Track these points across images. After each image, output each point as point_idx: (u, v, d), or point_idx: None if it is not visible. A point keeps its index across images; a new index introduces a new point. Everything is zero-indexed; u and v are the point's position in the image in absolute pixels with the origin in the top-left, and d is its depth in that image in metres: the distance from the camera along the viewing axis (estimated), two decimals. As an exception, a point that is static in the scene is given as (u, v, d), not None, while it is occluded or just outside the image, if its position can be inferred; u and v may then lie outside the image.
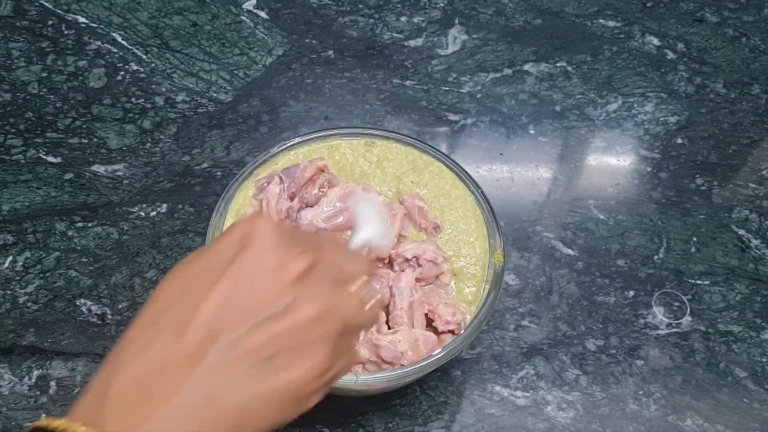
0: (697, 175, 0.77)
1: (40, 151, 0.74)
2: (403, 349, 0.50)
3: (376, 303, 0.36)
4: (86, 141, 0.75)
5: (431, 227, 0.57)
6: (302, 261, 0.32)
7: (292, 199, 0.58)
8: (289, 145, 0.61)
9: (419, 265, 0.55)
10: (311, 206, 0.58)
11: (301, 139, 0.62)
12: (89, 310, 0.64)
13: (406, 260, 0.54)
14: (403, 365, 0.50)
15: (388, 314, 0.54)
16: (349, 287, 0.35)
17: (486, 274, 0.56)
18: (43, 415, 0.58)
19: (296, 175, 0.58)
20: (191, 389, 0.29)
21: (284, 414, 0.31)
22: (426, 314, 0.53)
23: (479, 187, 0.59)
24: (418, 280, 0.55)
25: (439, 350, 0.50)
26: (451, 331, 0.53)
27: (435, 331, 0.53)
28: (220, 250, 0.33)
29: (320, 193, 0.58)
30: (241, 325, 0.30)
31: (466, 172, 0.60)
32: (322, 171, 0.60)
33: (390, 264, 0.56)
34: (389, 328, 0.53)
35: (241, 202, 0.58)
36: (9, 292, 0.65)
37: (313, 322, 0.31)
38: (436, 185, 0.60)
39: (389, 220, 0.55)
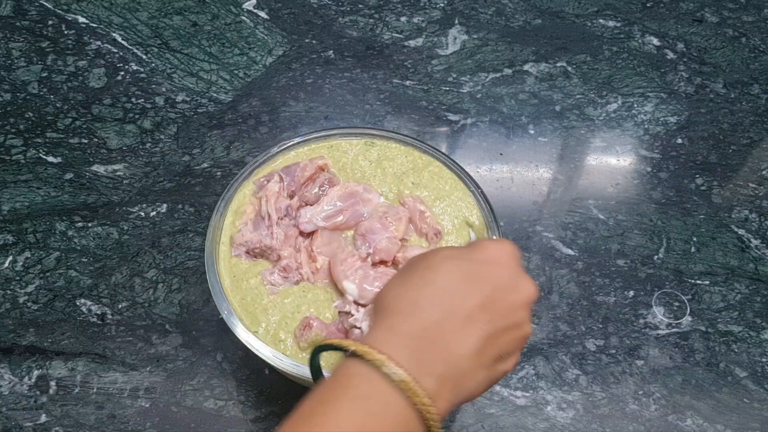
0: (697, 175, 0.77)
1: (40, 151, 0.74)
2: None
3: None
4: (86, 141, 0.75)
5: (432, 233, 0.57)
6: (532, 288, 0.42)
7: (291, 197, 0.58)
8: (289, 145, 0.61)
9: None
10: (311, 204, 0.58)
11: (300, 139, 0.61)
12: (89, 310, 0.64)
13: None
14: None
15: None
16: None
17: None
18: (44, 416, 0.58)
19: (296, 173, 0.58)
20: (459, 354, 0.38)
21: (489, 386, 0.42)
22: None
23: (479, 187, 0.59)
24: None
25: None
26: None
27: None
28: (482, 258, 0.42)
29: (320, 192, 0.58)
30: (499, 317, 0.40)
31: (466, 172, 0.60)
32: (323, 170, 0.60)
33: (396, 267, 0.56)
34: None
35: (240, 201, 0.58)
36: (9, 292, 0.65)
37: (526, 338, 0.42)
38: (435, 186, 0.60)
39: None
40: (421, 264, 0.42)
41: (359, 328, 0.50)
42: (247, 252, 0.55)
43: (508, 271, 0.42)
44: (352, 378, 0.37)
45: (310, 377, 0.48)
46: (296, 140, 0.61)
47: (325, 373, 0.45)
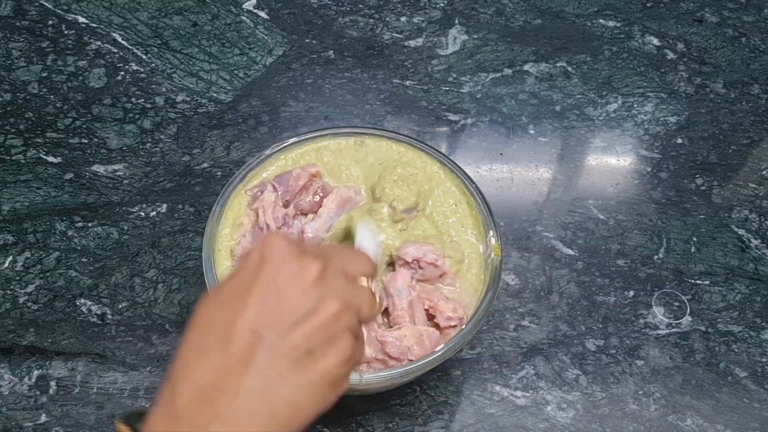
0: (697, 175, 0.77)
1: (40, 151, 0.74)
2: (409, 344, 0.51)
3: (380, 299, 0.41)
4: (86, 141, 0.75)
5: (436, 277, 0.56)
6: (316, 264, 0.37)
7: (286, 206, 0.58)
8: (283, 146, 0.61)
9: (420, 268, 0.55)
10: (305, 213, 0.59)
11: (297, 139, 0.61)
12: (89, 310, 0.64)
13: (407, 263, 0.54)
14: (410, 360, 0.50)
15: (387, 316, 0.54)
16: (360, 282, 0.40)
17: (484, 270, 0.56)
18: (44, 416, 0.58)
19: (289, 182, 0.58)
20: (247, 389, 0.33)
21: (327, 397, 0.36)
22: (427, 310, 0.54)
23: (473, 182, 0.59)
24: (419, 281, 0.55)
25: (442, 346, 0.50)
26: (453, 327, 0.53)
27: (437, 326, 0.53)
28: (243, 273, 0.37)
29: (314, 200, 0.58)
30: (279, 327, 0.35)
31: (457, 165, 0.60)
32: (315, 177, 0.60)
33: (392, 266, 0.56)
34: (391, 328, 0.53)
35: (236, 209, 0.58)
36: (9, 292, 0.65)
37: (338, 315, 0.36)
38: (434, 186, 0.61)
39: (382, 245, 0.56)
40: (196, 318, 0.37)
41: None
42: None
43: (269, 272, 0.36)
44: None
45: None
46: (291, 141, 0.61)
47: None
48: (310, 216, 0.58)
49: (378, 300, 0.43)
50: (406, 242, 0.56)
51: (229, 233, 0.57)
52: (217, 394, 0.33)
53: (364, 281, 0.41)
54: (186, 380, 0.34)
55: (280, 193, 0.58)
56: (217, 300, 0.37)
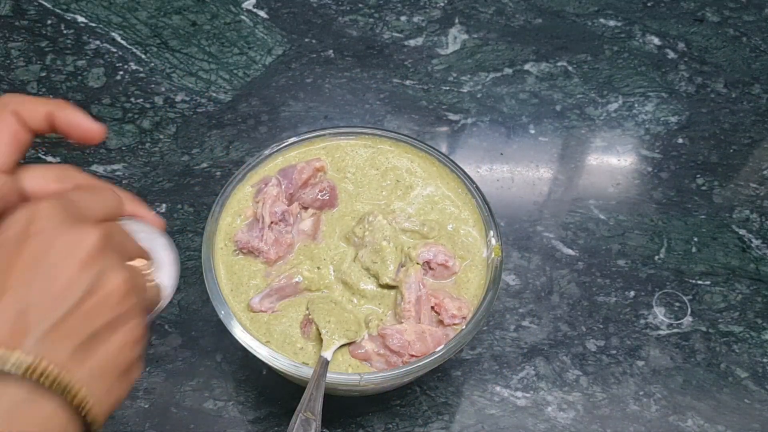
0: (698, 175, 0.77)
1: (39, 151, 0.74)
2: (411, 338, 0.51)
3: (155, 285, 0.36)
4: (85, 141, 0.75)
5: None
6: (94, 235, 0.31)
7: (290, 200, 0.58)
8: (283, 146, 0.61)
9: (431, 269, 0.55)
10: (306, 208, 0.58)
11: (296, 139, 0.61)
12: (88, 311, 0.64)
13: (417, 265, 0.55)
14: (412, 356, 0.50)
15: (395, 307, 0.54)
16: (135, 264, 0.35)
17: (485, 270, 0.56)
18: None
19: (293, 176, 0.58)
20: (8, 393, 0.27)
21: (118, 388, 0.31)
22: (432, 307, 0.54)
23: (473, 182, 0.59)
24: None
25: (443, 346, 0.50)
26: (457, 326, 0.53)
27: (441, 324, 0.53)
28: (2, 241, 0.30)
29: (321, 197, 0.58)
30: (51, 313, 0.29)
31: (457, 165, 0.60)
32: (319, 171, 0.60)
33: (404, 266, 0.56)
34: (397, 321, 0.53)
35: (237, 207, 0.58)
36: (8, 292, 0.64)
37: (121, 292, 0.31)
38: (434, 185, 0.60)
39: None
40: None
41: None
42: (241, 249, 0.55)
43: (37, 243, 0.30)
44: None
45: (308, 377, 0.48)
46: (291, 140, 0.61)
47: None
48: (310, 211, 0.58)
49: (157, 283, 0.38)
50: (417, 243, 0.56)
51: (230, 222, 0.57)
52: None
53: (139, 263, 0.36)
54: None
55: (283, 186, 0.57)
56: None
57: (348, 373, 0.51)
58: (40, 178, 0.36)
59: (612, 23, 0.91)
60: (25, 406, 0.28)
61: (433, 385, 0.61)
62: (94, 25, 0.85)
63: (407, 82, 0.83)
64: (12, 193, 0.34)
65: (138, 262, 0.36)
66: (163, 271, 0.39)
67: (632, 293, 0.68)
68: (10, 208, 0.33)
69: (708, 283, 0.69)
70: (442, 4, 0.91)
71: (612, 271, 0.69)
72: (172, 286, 0.40)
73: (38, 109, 0.35)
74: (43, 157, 0.73)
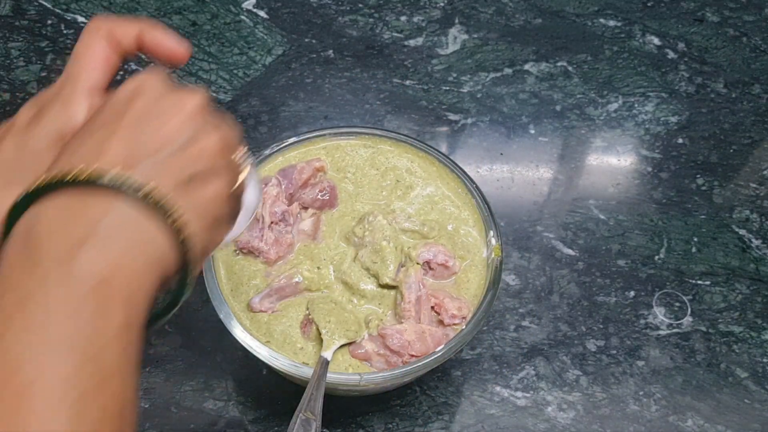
0: (698, 175, 0.77)
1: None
2: (411, 338, 0.51)
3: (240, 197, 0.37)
4: (85, 141, 0.75)
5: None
6: (195, 98, 0.34)
7: (290, 200, 0.58)
8: (283, 146, 0.61)
9: (431, 269, 0.55)
10: (306, 208, 0.58)
11: (296, 139, 0.61)
12: (88, 311, 0.64)
13: (417, 265, 0.55)
14: (412, 356, 0.50)
15: (395, 307, 0.54)
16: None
17: (485, 270, 0.56)
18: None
19: (293, 176, 0.58)
20: (118, 209, 0.29)
21: (210, 234, 0.33)
22: (432, 307, 0.54)
23: (473, 182, 0.59)
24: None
25: (443, 346, 0.50)
26: (457, 325, 0.53)
27: (441, 324, 0.53)
28: (112, 103, 0.33)
29: (321, 197, 0.58)
30: (158, 152, 0.31)
31: (457, 165, 0.60)
32: (319, 171, 0.60)
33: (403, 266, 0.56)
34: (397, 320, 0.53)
35: None
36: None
37: (216, 149, 0.33)
38: (434, 185, 0.60)
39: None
40: None
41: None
42: (241, 249, 0.55)
43: (146, 98, 0.33)
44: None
45: (309, 377, 0.48)
46: (291, 140, 0.61)
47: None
48: (310, 211, 0.58)
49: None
50: (417, 243, 0.56)
51: None
52: (83, 218, 0.29)
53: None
54: (47, 204, 0.29)
55: (283, 186, 0.57)
56: (85, 129, 0.32)
57: (348, 373, 0.51)
58: None
59: (612, 23, 0.90)
60: (132, 224, 0.29)
61: (433, 385, 0.61)
62: (94, 25, 0.85)
63: (407, 82, 0.83)
64: None
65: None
66: (248, 189, 0.39)
67: (632, 293, 0.68)
68: None
69: (708, 283, 0.69)
70: (442, 4, 0.91)
71: (612, 271, 0.69)
72: (254, 208, 0.41)
73: (128, 32, 0.37)
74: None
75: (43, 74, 0.80)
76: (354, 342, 0.52)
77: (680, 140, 0.80)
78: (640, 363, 0.63)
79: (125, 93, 0.33)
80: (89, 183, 0.29)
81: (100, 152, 0.30)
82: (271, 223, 0.55)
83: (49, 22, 0.85)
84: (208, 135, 0.33)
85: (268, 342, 0.51)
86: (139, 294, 0.29)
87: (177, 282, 0.32)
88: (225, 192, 0.34)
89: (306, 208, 0.58)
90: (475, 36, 0.88)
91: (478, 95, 0.82)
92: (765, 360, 0.64)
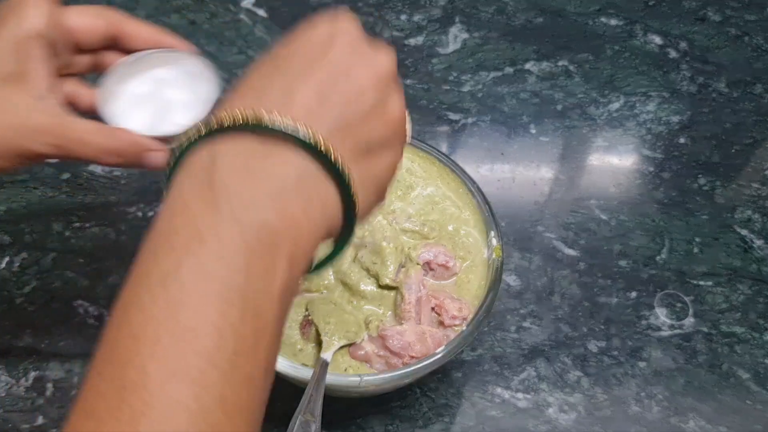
0: (700, 175, 0.77)
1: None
2: (411, 339, 0.50)
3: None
4: (84, 140, 0.75)
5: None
6: (388, 58, 0.33)
7: None
8: None
9: (431, 269, 0.54)
10: None
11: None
12: (86, 312, 0.63)
13: (418, 265, 0.54)
14: (412, 357, 0.50)
15: (395, 308, 0.54)
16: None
17: (486, 270, 0.56)
18: (40, 418, 0.58)
19: None
20: (299, 164, 0.28)
21: (371, 202, 0.32)
22: (433, 308, 0.53)
23: (474, 182, 0.59)
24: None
25: (443, 347, 0.50)
26: (457, 327, 0.53)
27: (441, 325, 0.53)
28: (310, 40, 0.32)
29: None
30: (342, 112, 0.30)
31: (457, 165, 0.60)
32: None
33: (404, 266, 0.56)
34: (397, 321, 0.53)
35: None
36: (6, 293, 0.64)
37: (398, 121, 0.33)
38: (434, 185, 0.60)
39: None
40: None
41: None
42: None
43: (341, 48, 0.31)
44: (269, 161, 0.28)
45: (308, 379, 0.48)
46: None
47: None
48: None
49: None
50: (418, 244, 0.56)
51: None
52: (265, 162, 0.28)
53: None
54: (233, 142, 0.28)
55: None
56: (273, 66, 0.31)
57: (348, 374, 0.50)
58: (81, 14, 0.43)
59: (613, 22, 0.90)
60: (312, 183, 0.29)
61: (434, 387, 0.60)
62: (92, 24, 0.85)
63: (407, 82, 0.82)
64: (59, 25, 0.41)
65: None
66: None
67: (634, 294, 0.67)
68: (59, 39, 0.41)
69: (710, 283, 0.68)
70: (442, 3, 0.90)
71: (613, 272, 0.69)
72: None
73: None
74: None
75: (42, 73, 0.80)
76: (354, 343, 0.52)
77: (682, 140, 0.80)
78: (642, 364, 0.63)
79: (320, 36, 0.31)
80: (273, 131, 0.28)
81: (288, 100, 0.29)
82: None
83: (48, 21, 0.84)
84: (393, 104, 0.33)
85: (268, 343, 0.51)
86: (303, 256, 0.28)
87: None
88: (394, 165, 0.33)
89: None
90: (476, 35, 0.87)
91: (479, 95, 0.82)
92: (767, 361, 0.64)
